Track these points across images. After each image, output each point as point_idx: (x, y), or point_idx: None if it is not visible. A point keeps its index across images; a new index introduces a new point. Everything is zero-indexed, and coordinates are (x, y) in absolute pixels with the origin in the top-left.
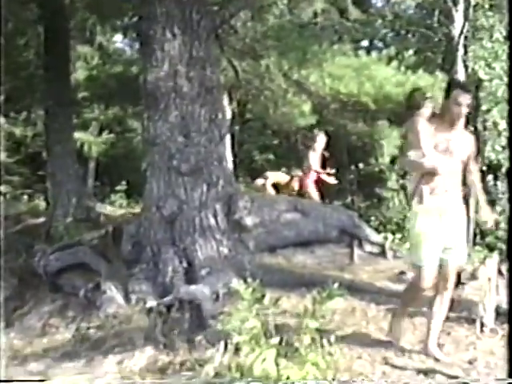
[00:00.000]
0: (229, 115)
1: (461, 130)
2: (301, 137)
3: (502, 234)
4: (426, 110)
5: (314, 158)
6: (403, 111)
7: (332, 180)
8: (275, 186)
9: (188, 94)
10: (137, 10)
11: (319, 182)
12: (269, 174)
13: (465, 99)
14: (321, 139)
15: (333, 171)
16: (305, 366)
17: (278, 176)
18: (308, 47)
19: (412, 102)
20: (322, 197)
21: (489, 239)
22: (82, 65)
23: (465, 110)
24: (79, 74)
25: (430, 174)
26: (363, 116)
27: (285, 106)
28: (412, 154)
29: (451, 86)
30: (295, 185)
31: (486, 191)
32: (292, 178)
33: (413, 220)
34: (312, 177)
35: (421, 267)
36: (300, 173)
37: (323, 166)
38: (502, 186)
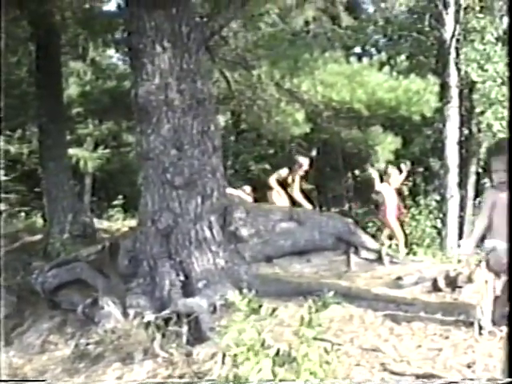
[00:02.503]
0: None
1: None
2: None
3: None
4: None
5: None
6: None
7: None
8: (280, 183)
9: (179, 107)
10: (127, 25)
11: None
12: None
13: None
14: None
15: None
16: (303, 376)
17: (279, 172)
18: (299, 55)
19: None
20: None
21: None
22: (75, 81)
23: None
24: (72, 89)
25: None
26: (357, 122)
27: (278, 116)
28: None
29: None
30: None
31: (483, 193)
32: (291, 171)
33: None
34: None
35: None
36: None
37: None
38: None
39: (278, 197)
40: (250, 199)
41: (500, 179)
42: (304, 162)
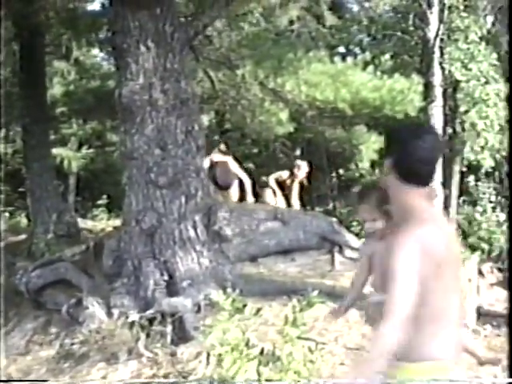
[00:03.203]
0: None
1: None
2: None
3: (484, 234)
4: None
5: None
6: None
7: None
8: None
9: (163, 107)
10: (111, 25)
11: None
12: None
13: None
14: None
15: None
16: (287, 375)
17: (281, 173)
18: (283, 55)
19: None
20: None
21: (471, 239)
22: (59, 80)
23: None
24: (56, 89)
25: None
26: (341, 122)
27: (262, 115)
28: None
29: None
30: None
31: (467, 192)
32: (292, 173)
33: None
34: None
35: None
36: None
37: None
38: (482, 186)
39: (273, 197)
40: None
41: (368, 229)
42: (303, 165)
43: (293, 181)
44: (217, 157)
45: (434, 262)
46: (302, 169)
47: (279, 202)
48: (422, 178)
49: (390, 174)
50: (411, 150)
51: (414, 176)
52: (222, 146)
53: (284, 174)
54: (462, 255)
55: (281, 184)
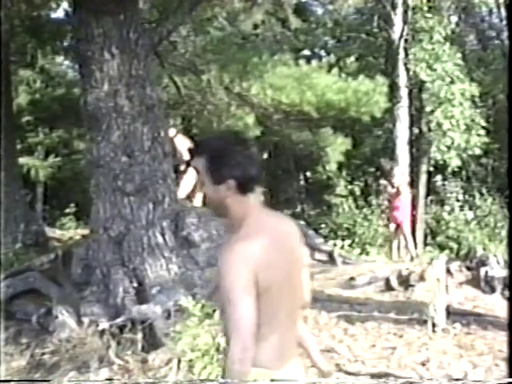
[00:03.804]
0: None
1: None
2: None
3: (452, 233)
4: None
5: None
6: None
7: None
8: None
9: (129, 114)
10: (75, 32)
11: None
12: None
13: None
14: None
15: None
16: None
17: None
18: (248, 59)
19: None
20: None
21: (440, 239)
22: (25, 89)
23: None
24: (22, 98)
25: None
26: (307, 125)
27: (229, 120)
28: None
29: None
30: None
31: (435, 191)
32: None
33: None
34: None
35: None
36: None
37: None
38: (449, 185)
39: None
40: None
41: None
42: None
43: None
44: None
45: (262, 270)
46: None
47: None
48: (250, 185)
49: (218, 184)
50: (232, 158)
51: (244, 184)
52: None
53: None
54: (431, 254)
55: None
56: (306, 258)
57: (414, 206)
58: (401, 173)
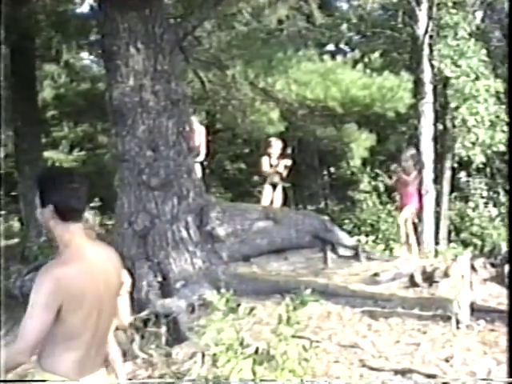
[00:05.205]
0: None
1: None
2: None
3: (476, 229)
4: None
5: (266, 162)
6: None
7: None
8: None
9: (154, 108)
10: (100, 27)
11: None
12: None
13: None
14: (276, 145)
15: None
16: (282, 374)
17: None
18: (273, 54)
19: None
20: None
21: (464, 235)
22: (50, 83)
23: None
24: (47, 92)
25: None
26: (331, 120)
27: (253, 115)
28: None
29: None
30: None
31: (459, 188)
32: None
33: None
34: None
35: None
36: None
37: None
38: (473, 182)
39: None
40: None
41: None
42: (276, 143)
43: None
44: None
45: (71, 294)
46: (275, 145)
47: (277, 197)
48: (70, 214)
49: (42, 207)
50: (54, 186)
51: (63, 211)
52: None
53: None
54: (455, 251)
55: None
56: (127, 284)
57: (437, 203)
58: (411, 157)
